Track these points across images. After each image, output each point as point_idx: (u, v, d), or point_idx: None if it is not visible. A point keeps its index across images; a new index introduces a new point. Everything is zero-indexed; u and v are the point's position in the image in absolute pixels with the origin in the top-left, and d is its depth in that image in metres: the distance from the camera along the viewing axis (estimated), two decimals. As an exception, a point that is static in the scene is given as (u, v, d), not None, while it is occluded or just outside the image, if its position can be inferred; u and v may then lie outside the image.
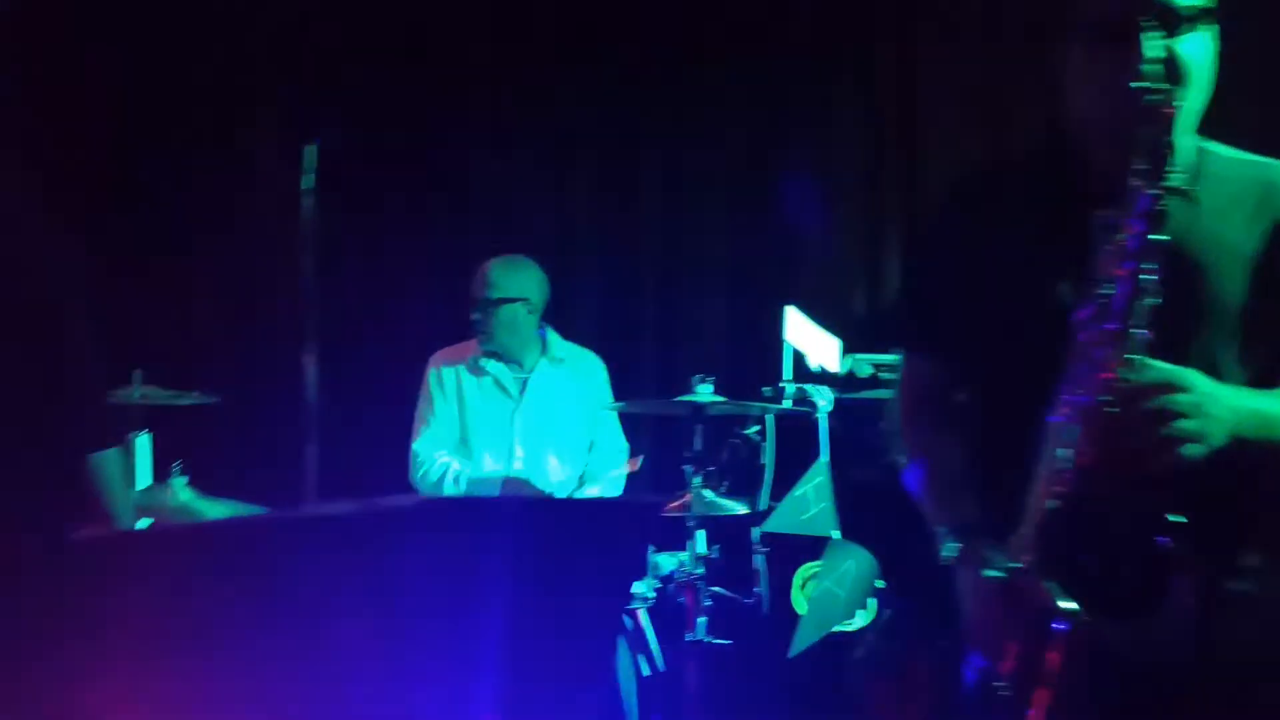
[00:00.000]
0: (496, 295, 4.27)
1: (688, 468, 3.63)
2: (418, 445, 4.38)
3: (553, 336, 4.44)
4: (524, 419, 4.34)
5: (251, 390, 4.64)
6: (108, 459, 2.01)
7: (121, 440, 2.05)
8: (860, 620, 3.69)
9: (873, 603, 3.71)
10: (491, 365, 4.38)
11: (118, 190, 4.71)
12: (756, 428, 3.73)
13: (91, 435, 2.00)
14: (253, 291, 4.96)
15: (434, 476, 4.29)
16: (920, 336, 2.21)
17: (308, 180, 2.97)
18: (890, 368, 3.85)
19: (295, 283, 3.31)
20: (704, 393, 3.50)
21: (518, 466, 4.31)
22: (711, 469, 3.66)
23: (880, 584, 3.68)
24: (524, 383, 4.39)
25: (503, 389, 4.39)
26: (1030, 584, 1.87)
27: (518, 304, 4.29)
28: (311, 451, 3.29)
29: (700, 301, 5.25)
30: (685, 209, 5.33)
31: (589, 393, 4.41)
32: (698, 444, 3.54)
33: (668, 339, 5.30)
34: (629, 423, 4.49)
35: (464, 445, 4.37)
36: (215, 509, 3.85)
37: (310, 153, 2.94)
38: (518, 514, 1.73)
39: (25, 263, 1.94)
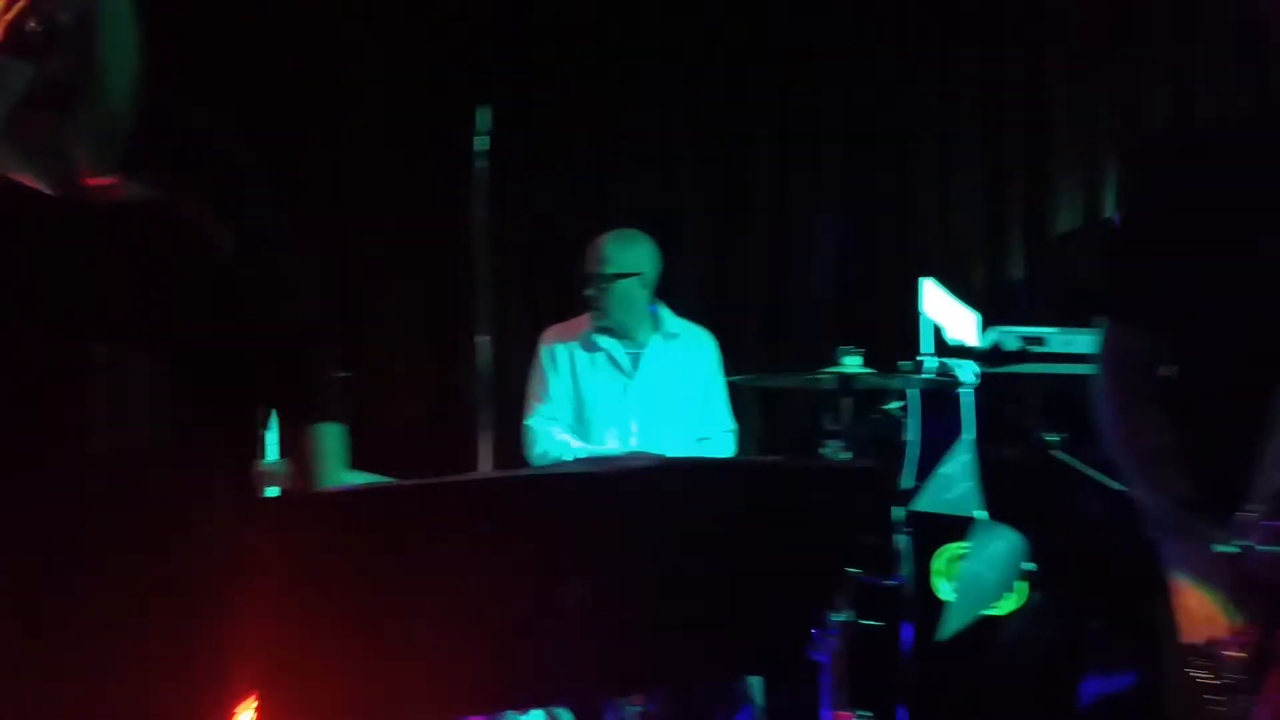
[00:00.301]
0: (611, 270, 4.18)
1: (830, 443, 3.51)
2: (532, 422, 4.34)
3: (665, 312, 4.35)
4: (637, 395, 4.24)
5: (384, 364, 4.60)
6: (327, 432, 1.98)
7: (343, 418, 2.01)
8: (1008, 604, 3.57)
9: (1022, 586, 3.58)
10: (605, 341, 4.30)
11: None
12: (899, 403, 3.61)
13: (315, 407, 1.98)
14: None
15: (553, 453, 4.22)
16: (1130, 305, 2.09)
17: (481, 142, 2.87)
18: (1035, 340, 3.72)
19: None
20: (852, 364, 3.37)
21: (633, 443, 4.20)
22: (845, 445, 3.53)
23: (1029, 566, 3.55)
24: (637, 359, 4.30)
25: (616, 365, 4.31)
26: (1267, 560, 1.76)
27: (632, 279, 4.21)
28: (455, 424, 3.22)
29: (806, 276, 5.12)
30: (799, 179, 5.21)
31: (701, 369, 4.32)
32: (839, 419, 3.41)
33: (774, 314, 5.18)
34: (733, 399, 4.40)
35: (579, 422, 4.29)
36: (357, 480, 3.80)
37: (483, 115, 2.85)
38: (751, 476, 1.67)
39: (273, 233, 1.91)
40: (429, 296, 4.89)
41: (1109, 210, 4.78)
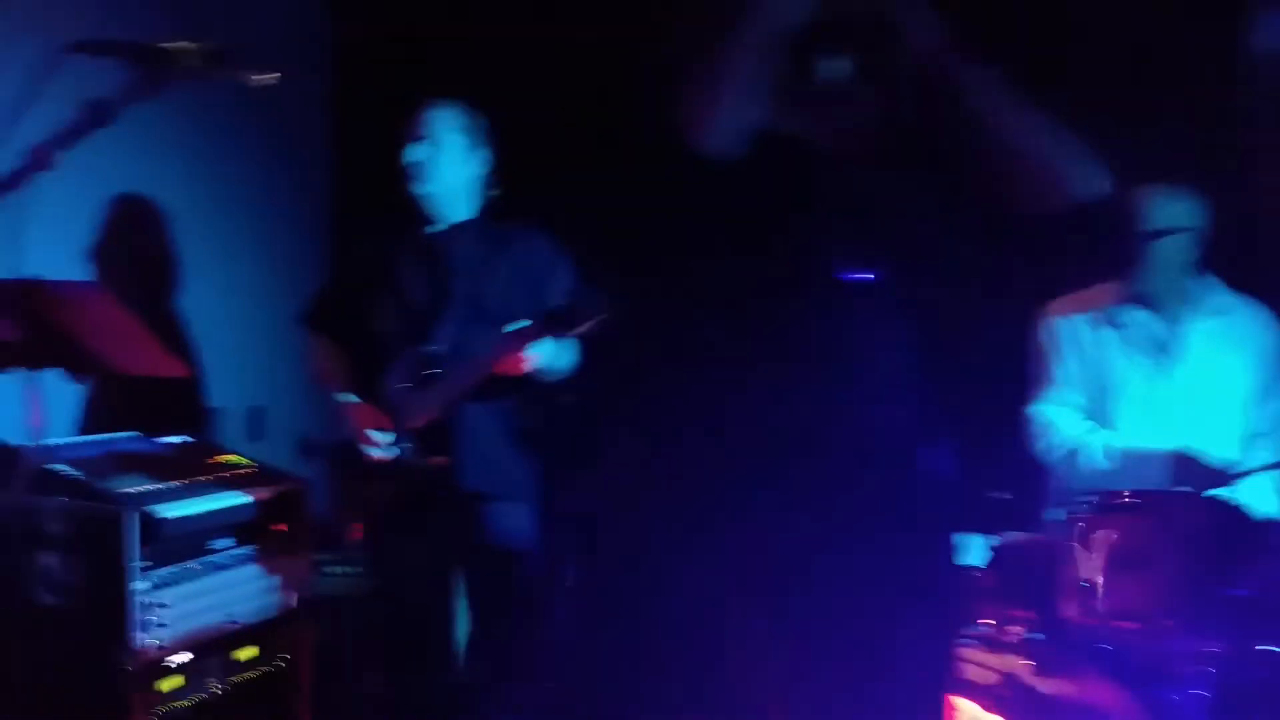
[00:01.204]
0: (1153, 226, 3.56)
1: None
2: (1043, 407, 3.76)
3: (1211, 282, 3.68)
4: (1176, 382, 3.64)
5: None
6: None
7: None
8: None
9: None
10: (1134, 315, 3.69)
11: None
12: None
13: None
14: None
15: (1070, 445, 3.67)
16: None
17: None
18: None
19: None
20: None
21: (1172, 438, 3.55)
22: None
23: None
24: (1176, 337, 3.66)
25: (1148, 345, 3.69)
26: None
27: (1178, 236, 3.57)
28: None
29: None
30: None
31: (1257, 352, 3.65)
32: None
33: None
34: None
35: (1098, 411, 3.71)
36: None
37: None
38: None
39: None
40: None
41: None
